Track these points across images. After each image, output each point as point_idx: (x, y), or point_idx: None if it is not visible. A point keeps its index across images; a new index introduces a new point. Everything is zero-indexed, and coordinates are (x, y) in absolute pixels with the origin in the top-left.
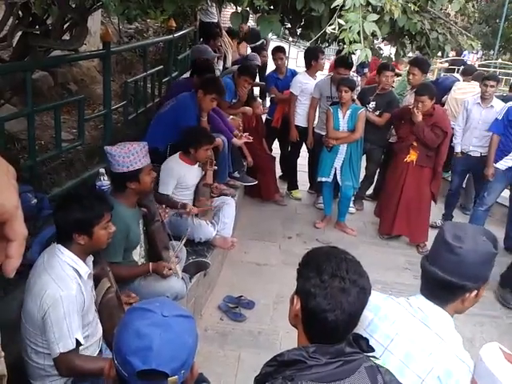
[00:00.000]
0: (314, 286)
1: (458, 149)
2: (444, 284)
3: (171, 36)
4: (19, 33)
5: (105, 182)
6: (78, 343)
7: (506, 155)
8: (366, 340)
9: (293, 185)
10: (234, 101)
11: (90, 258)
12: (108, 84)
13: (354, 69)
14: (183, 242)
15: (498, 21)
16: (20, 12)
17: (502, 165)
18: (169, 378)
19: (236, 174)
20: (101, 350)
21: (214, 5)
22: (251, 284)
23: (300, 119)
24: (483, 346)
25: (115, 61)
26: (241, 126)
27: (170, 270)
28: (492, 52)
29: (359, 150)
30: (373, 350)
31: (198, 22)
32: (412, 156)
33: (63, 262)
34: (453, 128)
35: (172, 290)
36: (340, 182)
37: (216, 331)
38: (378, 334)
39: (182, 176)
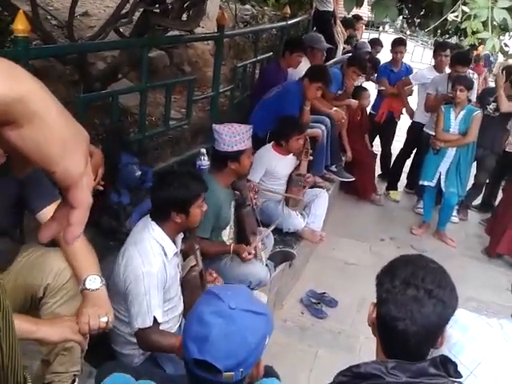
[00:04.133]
0: (386, 291)
1: None
2: None
3: (284, 23)
4: (140, 11)
5: (204, 161)
6: (156, 320)
7: None
8: (455, 364)
9: (392, 185)
10: (339, 92)
11: (180, 236)
12: (218, 67)
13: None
14: (271, 229)
15: None
16: None
17: None
18: (223, 373)
19: (333, 168)
20: (180, 326)
21: None
22: (336, 282)
23: (420, 115)
24: None
25: (228, 45)
26: (344, 118)
27: (250, 254)
28: None
29: (470, 155)
30: (460, 376)
31: (313, 10)
32: None
33: (152, 238)
34: None
35: (256, 276)
36: (444, 188)
37: (296, 324)
38: (464, 355)
39: (272, 166)
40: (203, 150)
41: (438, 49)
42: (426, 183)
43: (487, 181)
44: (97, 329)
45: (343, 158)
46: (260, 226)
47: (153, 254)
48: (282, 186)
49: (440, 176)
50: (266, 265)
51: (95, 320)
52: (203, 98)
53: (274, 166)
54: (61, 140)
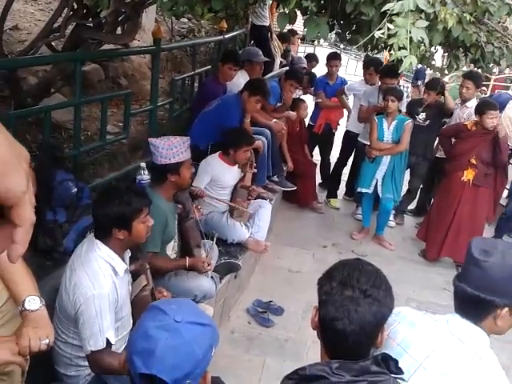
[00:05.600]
0: (326, 293)
1: None
2: (472, 299)
3: (221, 37)
4: (73, 24)
5: (145, 176)
6: (109, 342)
7: None
8: (396, 361)
9: (332, 193)
10: (278, 104)
11: (128, 253)
12: (156, 80)
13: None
14: (214, 241)
15: None
16: (74, 4)
17: None
18: None
19: (275, 178)
20: None
21: (267, 8)
22: (282, 290)
23: (353, 124)
24: None
25: (166, 59)
26: (284, 129)
27: (208, 265)
28: None
29: (403, 162)
30: (402, 372)
31: (249, 25)
32: (469, 175)
33: (100, 258)
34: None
35: (201, 289)
36: (380, 194)
37: (243, 334)
38: (413, 349)
39: (217, 174)
40: (143, 165)
41: (364, 66)
42: (363, 190)
43: (421, 186)
44: (37, 351)
45: (284, 169)
46: (204, 238)
47: (102, 276)
48: (226, 196)
49: (376, 183)
50: (212, 277)
51: (36, 341)
52: (141, 112)
53: (220, 175)
54: (1, 160)
